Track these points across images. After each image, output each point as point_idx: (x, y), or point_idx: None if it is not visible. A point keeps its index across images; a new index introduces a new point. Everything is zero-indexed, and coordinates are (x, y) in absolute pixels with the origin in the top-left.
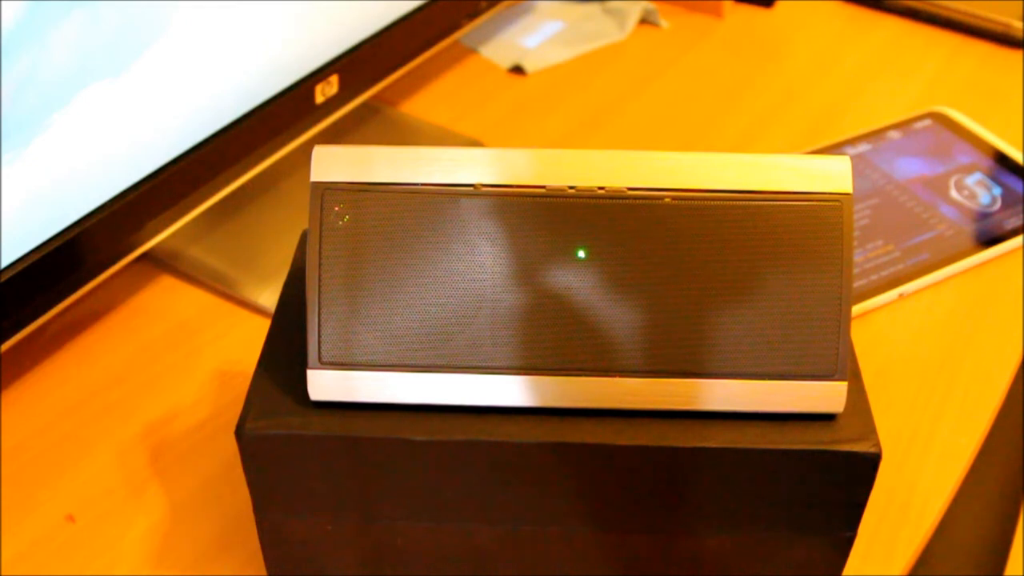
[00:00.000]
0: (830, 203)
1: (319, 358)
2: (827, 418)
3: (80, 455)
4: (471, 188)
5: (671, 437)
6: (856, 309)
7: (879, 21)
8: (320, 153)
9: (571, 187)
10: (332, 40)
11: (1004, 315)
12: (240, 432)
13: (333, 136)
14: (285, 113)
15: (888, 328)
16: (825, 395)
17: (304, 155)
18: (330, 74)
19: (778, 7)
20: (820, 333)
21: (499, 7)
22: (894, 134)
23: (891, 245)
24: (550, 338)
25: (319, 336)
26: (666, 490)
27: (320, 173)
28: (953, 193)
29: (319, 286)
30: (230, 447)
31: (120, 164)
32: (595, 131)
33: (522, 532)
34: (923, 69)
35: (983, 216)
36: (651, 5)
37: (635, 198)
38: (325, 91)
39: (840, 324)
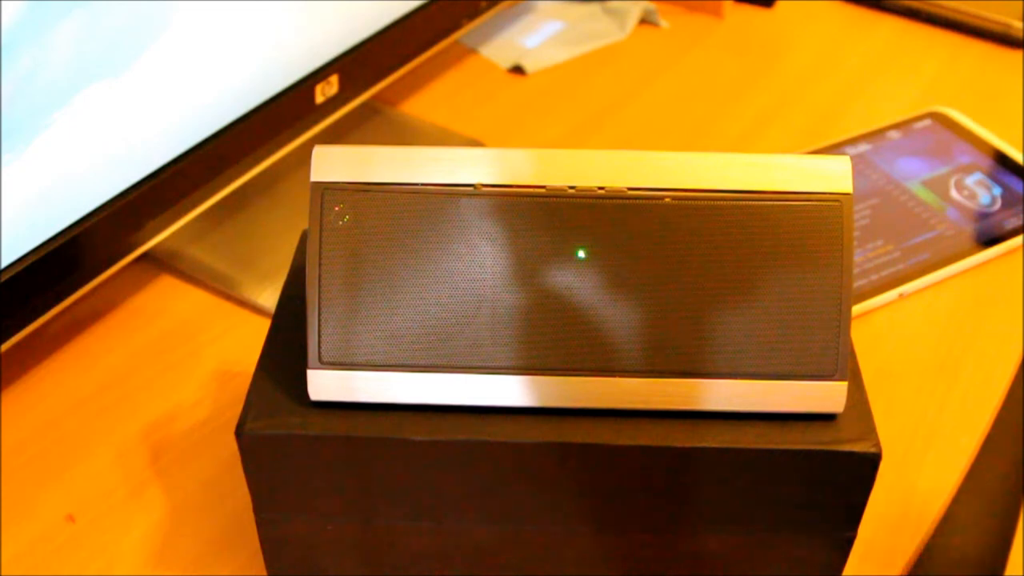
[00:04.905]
0: (830, 203)
1: (319, 358)
2: (827, 418)
3: (80, 455)
4: (471, 188)
5: (671, 437)
6: (856, 309)
7: (879, 21)
8: (320, 153)
9: (571, 187)
10: (332, 40)
11: (1004, 315)
12: (240, 432)
13: (333, 136)
14: (285, 113)
15: (888, 328)
16: (825, 395)
17: (304, 155)
18: (330, 74)
19: (778, 7)
20: (820, 333)
21: (499, 7)
22: (894, 134)
23: (891, 245)
24: (550, 338)
25: (319, 336)
26: (666, 490)
27: (320, 173)
28: (953, 193)
29: (319, 286)
30: (230, 447)
31: (120, 164)
32: (595, 131)
33: (522, 532)
34: (923, 69)
35: (983, 216)
36: (651, 5)
37: (635, 198)
38: (325, 91)
39: (840, 324)
